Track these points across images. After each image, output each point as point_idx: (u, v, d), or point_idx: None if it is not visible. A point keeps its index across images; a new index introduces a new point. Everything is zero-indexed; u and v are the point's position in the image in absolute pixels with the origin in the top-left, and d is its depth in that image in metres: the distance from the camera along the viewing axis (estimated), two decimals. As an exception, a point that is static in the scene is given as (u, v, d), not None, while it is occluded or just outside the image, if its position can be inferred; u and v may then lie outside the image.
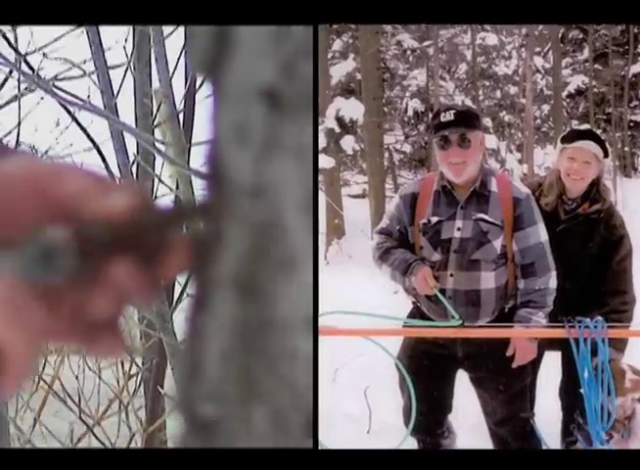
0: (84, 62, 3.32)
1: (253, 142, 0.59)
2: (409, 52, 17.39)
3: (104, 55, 3.23)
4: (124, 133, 3.21)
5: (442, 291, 3.21)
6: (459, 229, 3.22)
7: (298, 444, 0.60)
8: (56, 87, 2.97)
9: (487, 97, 18.27)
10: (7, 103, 3.48)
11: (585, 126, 12.67)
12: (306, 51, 0.59)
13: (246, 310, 0.60)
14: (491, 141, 14.24)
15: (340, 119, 13.13)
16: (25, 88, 3.40)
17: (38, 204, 0.65)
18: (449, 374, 3.51)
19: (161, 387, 3.47)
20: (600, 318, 3.24)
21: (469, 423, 3.83)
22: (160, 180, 3.13)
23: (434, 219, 3.26)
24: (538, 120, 18.99)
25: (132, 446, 3.64)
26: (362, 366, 5.13)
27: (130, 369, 3.90)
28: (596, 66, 19.32)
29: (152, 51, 3.04)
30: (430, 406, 3.45)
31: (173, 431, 0.65)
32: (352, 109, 13.22)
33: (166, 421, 3.57)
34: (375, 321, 3.36)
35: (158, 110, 3.17)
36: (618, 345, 3.39)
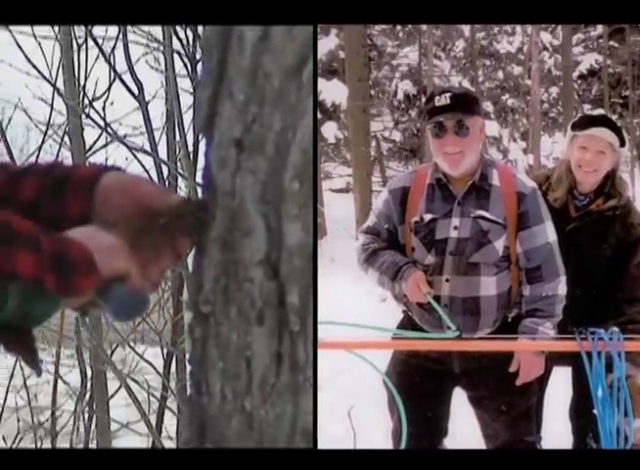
0: (140, 126, 6.89)
1: (229, 167, 1.31)
2: (399, 27, 17.41)
3: (151, 123, 6.75)
4: (161, 165, 6.67)
5: (437, 298, 3.22)
6: (456, 228, 3.23)
7: (255, 329, 1.27)
8: (127, 140, 6.38)
9: (488, 78, 18.35)
10: (99, 149, 6.95)
11: (599, 111, 12.74)
12: (259, 120, 1.26)
13: (224, 256, 1.31)
14: (492, 128, 14.31)
15: (320, 104, 13.13)
16: (110, 141, 6.80)
17: (126, 199, 1.42)
18: (445, 393, 3.52)
19: (181, 296, 6.72)
20: (616, 329, 3.24)
21: (467, 448, 3.84)
22: (180, 189, 6.78)
23: (428, 217, 3.27)
24: (546, 105, 19.09)
25: (166, 328, 6.96)
26: (346, 383, 5.15)
27: (164, 288, 6.95)
28: (611, 43, 19.43)
29: (175, 121, 6.33)
30: (422, 429, 3.45)
31: (187, 321, 1.36)
32: (335, 92, 13.25)
33: (184, 315, 6.52)
34: (361, 332, 3.36)
35: (179, 151, 6.56)
36: (637, 359, 3.41)
